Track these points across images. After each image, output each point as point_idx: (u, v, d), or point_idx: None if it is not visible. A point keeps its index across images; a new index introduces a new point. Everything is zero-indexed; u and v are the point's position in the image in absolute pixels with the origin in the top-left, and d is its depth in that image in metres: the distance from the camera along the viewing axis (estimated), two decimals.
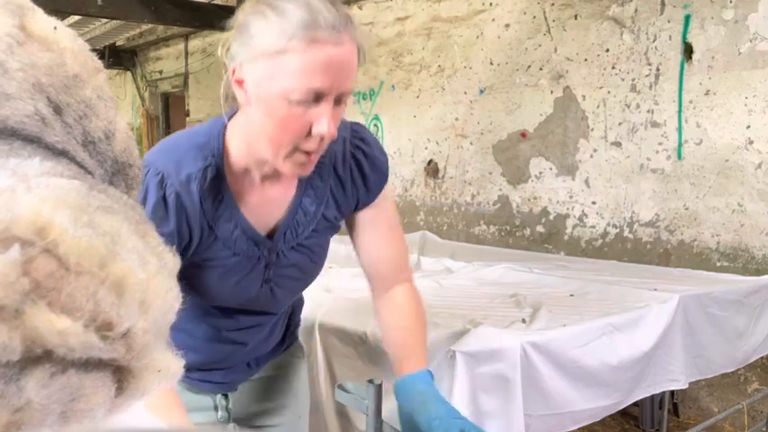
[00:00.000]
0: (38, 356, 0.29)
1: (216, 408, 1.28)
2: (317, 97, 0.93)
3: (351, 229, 1.22)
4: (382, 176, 1.18)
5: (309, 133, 0.96)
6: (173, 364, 0.36)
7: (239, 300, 1.15)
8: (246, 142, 1.04)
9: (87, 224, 0.31)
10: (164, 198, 1.01)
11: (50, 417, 0.30)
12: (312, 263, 1.18)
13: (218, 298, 1.14)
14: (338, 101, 0.96)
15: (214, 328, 1.20)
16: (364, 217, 1.19)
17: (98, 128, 0.38)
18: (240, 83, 0.97)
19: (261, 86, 0.95)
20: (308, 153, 0.98)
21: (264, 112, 0.96)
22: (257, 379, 1.34)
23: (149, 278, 0.33)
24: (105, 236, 0.31)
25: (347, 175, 1.14)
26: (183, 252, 1.06)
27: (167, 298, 0.34)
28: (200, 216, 1.04)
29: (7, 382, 0.28)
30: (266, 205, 1.10)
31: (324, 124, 0.94)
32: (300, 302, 1.41)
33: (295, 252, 1.14)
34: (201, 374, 1.24)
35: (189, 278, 1.09)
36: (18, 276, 0.28)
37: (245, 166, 1.07)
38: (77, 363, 0.30)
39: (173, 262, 0.36)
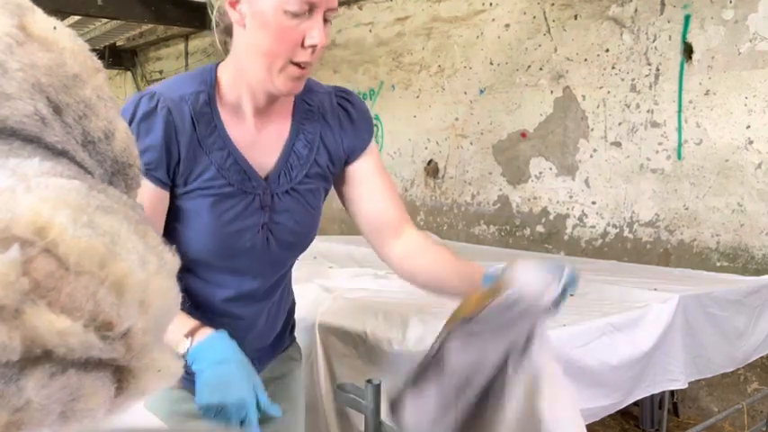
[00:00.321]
0: (38, 356, 0.29)
1: None
2: (310, 8, 1.01)
3: (347, 187, 1.24)
4: (369, 125, 1.23)
5: (302, 46, 1.03)
6: (172, 363, 0.36)
7: (233, 246, 1.13)
8: (238, 70, 1.09)
9: (87, 224, 0.31)
10: (154, 109, 1.05)
11: (50, 417, 0.30)
12: (306, 213, 1.19)
13: (211, 243, 1.11)
14: (325, 19, 1.04)
15: (209, 297, 1.18)
16: (360, 168, 1.22)
17: (98, 128, 0.38)
18: (234, 4, 1.04)
19: (256, 1, 1.01)
20: (299, 66, 1.04)
21: (259, 27, 1.02)
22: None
23: (149, 278, 0.33)
24: (105, 236, 0.31)
25: (335, 121, 1.20)
26: (173, 178, 1.08)
27: (167, 298, 0.34)
28: (191, 137, 1.07)
29: (7, 382, 0.28)
30: (259, 146, 1.14)
31: (316, 35, 1.02)
32: (293, 302, 1.40)
33: (289, 197, 1.16)
34: None
35: (183, 221, 1.10)
36: (18, 276, 0.28)
37: (236, 100, 1.11)
38: (77, 363, 0.30)
39: (173, 262, 0.36)
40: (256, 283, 1.21)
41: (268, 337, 1.31)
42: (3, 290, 0.27)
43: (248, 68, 1.07)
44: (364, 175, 1.23)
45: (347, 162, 1.22)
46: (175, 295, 0.35)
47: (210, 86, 1.11)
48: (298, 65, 1.04)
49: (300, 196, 1.18)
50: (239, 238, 1.13)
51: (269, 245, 1.16)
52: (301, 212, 1.18)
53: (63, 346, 0.29)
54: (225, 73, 1.12)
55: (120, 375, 0.33)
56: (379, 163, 1.25)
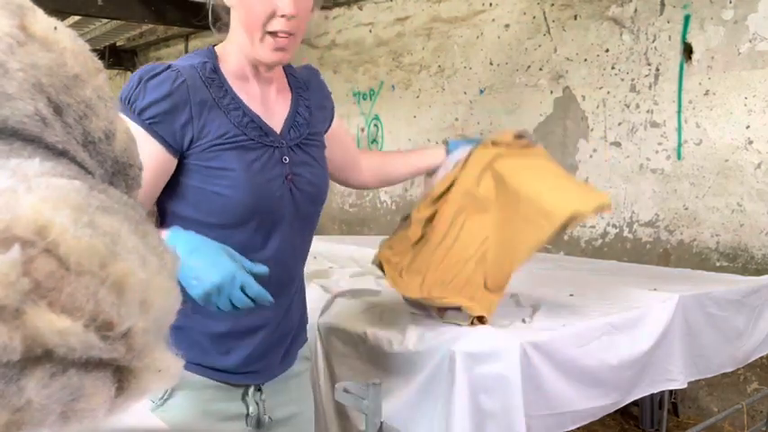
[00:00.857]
0: (38, 356, 0.29)
1: (247, 411, 1.26)
2: None
3: (333, 146, 1.40)
4: (330, 93, 1.44)
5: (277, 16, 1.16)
6: (173, 363, 0.36)
7: (266, 197, 1.19)
8: (237, 44, 1.21)
9: (88, 224, 0.31)
10: (163, 71, 1.14)
11: (50, 416, 0.30)
12: (318, 165, 1.30)
13: (245, 196, 1.16)
14: None
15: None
16: (338, 129, 1.43)
17: (98, 128, 0.38)
18: None
19: None
20: (277, 35, 1.16)
21: (240, 4, 1.16)
22: (279, 381, 1.32)
23: (150, 278, 0.33)
24: (105, 236, 0.31)
25: (317, 91, 1.37)
26: (183, 142, 1.14)
27: (168, 297, 0.34)
28: (205, 96, 1.16)
29: (8, 382, 0.28)
30: (269, 111, 1.25)
31: (286, 5, 1.13)
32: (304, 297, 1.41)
33: (301, 151, 1.27)
34: (242, 363, 1.23)
35: (214, 181, 1.15)
36: (18, 276, 0.28)
37: (241, 71, 1.22)
38: (78, 363, 0.30)
39: (173, 262, 0.36)
40: (289, 238, 1.25)
41: (296, 312, 1.33)
42: (3, 290, 0.27)
43: (239, 41, 1.20)
44: (341, 133, 1.46)
45: (330, 121, 1.41)
46: (176, 295, 0.35)
47: (213, 59, 1.21)
48: (275, 34, 1.15)
49: (310, 149, 1.29)
50: (269, 188, 1.20)
51: (293, 196, 1.23)
52: (314, 165, 1.29)
53: (64, 346, 0.29)
54: (225, 49, 1.23)
55: (121, 375, 0.33)
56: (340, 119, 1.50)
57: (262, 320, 1.25)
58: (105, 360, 0.32)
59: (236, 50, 1.21)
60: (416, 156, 1.67)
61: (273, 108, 1.26)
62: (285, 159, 1.22)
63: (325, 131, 1.38)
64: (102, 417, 0.33)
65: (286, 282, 1.27)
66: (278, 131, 1.24)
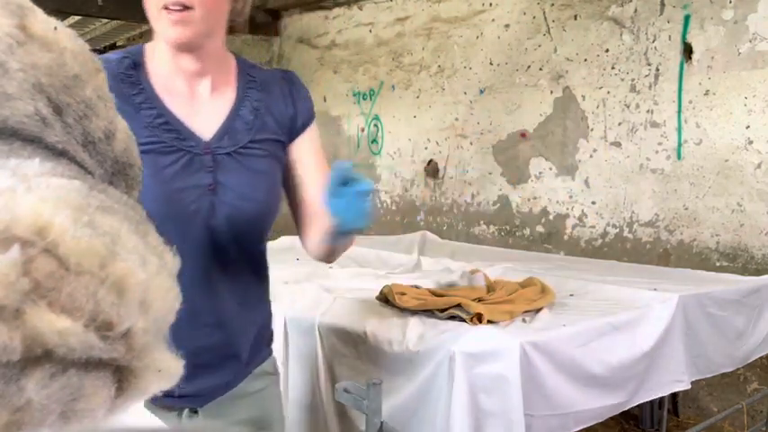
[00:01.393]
0: (38, 356, 0.29)
1: None
2: None
3: (291, 170, 1.23)
4: (309, 104, 1.25)
5: None
6: (173, 363, 0.36)
7: (177, 208, 1.09)
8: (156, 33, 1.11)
9: (87, 224, 0.31)
10: None
11: (50, 416, 0.30)
12: (255, 177, 1.16)
13: (153, 204, 1.04)
14: None
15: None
16: (302, 148, 1.23)
17: (98, 128, 0.38)
18: None
19: None
20: (168, 9, 1.05)
21: None
22: (224, 402, 1.23)
23: (150, 278, 0.33)
24: (105, 236, 0.31)
25: (280, 93, 1.21)
26: None
27: (168, 298, 0.34)
28: (115, 91, 1.08)
29: (7, 382, 0.28)
30: (203, 113, 1.14)
31: None
32: (270, 313, 1.32)
33: (234, 160, 1.14)
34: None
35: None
36: (18, 276, 0.28)
37: (167, 69, 1.12)
38: (77, 363, 0.30)
39: (173, 262, 0.36)
40: (214, 257, 1.14)
41: (239, 341, 1.22)
42: (3, 290, 0.28)
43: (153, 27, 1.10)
44: (306, 154, 1.24)
45: (292, 134, 1.22)
46: (176, 295, 0.35)
47: (136, 55, 1.13)
48: (167, 8, 1.05)
49: (246, 159, 1.15)
50: (182, 198, 1.09)
51: (215, 210, 1.12)
52: (249, 176, 1.15)
53: (63, 346, 0.29)
54: (153, 45, 1.14)
55: (121, 375, 0.33)
56: (320, 147, 1.27)
57: (185, 341, 1.16)
58: (105, 360, 0.32)
59: (158, 41, 1.12)
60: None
61: (204, 108, 1.15)
62: (207, 169, 1.11)
63: (286, 141, 1.22)
64: (102, 417, 0.33)
65: (215, 304, 1.16)
66: (205, 135, 1.12)
